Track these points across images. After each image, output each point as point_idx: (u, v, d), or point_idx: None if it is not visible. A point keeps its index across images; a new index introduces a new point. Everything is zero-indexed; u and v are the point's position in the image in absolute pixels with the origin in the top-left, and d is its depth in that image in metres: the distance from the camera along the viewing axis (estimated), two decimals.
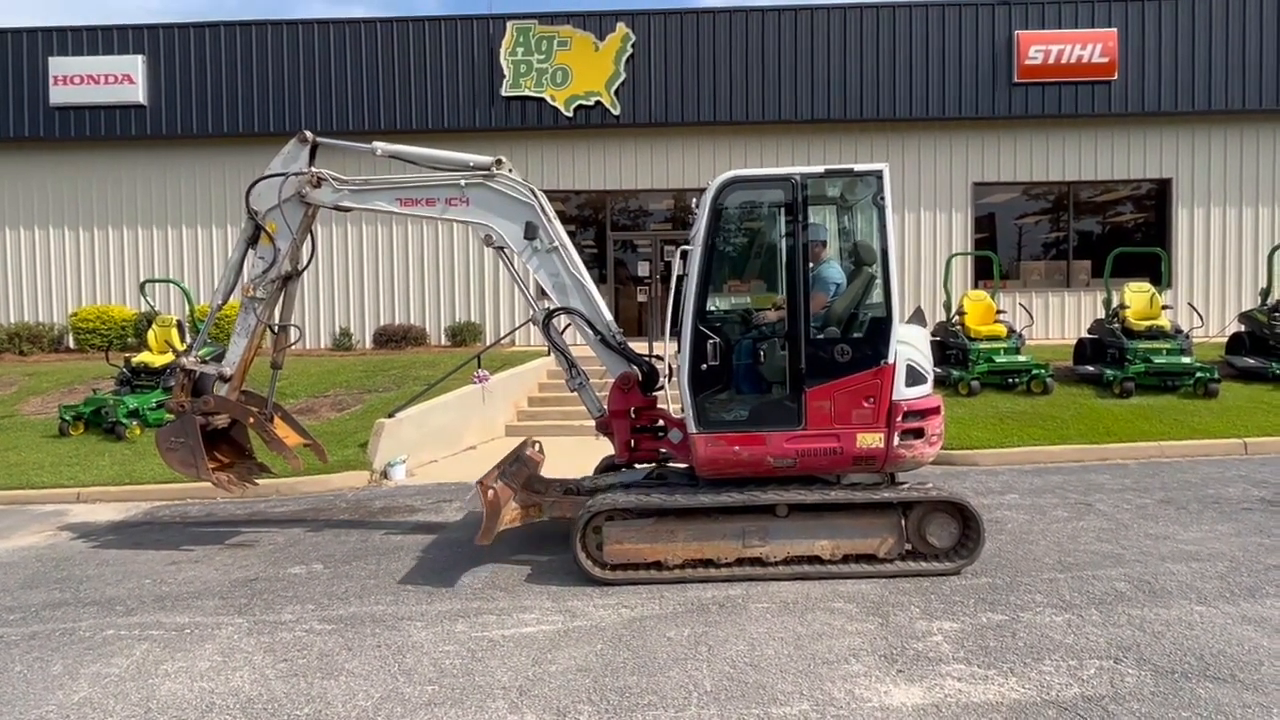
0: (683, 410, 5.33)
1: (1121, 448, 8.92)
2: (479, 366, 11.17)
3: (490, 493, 5.37)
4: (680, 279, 5.43)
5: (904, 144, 15.95)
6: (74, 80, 15.83)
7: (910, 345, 5.20)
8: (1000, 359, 11.08)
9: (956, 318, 12.20)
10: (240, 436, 7.00)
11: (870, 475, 5.47)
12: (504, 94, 15.64)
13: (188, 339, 11.54)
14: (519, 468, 5.75)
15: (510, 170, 6.03)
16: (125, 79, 15.80)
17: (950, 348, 11.96)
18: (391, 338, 15.64)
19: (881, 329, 5.14)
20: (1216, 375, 10.50)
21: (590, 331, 5.90)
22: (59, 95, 15.84)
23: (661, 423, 5.89)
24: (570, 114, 15.61)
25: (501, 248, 6.04)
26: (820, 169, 5.26)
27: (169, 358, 10.92)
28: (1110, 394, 10.61)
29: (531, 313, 6.15)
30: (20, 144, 16.30)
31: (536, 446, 5.98)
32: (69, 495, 8.57)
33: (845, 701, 3.66)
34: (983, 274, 15.79)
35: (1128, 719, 3.43)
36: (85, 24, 16.25)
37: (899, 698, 3.68)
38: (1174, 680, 3.75)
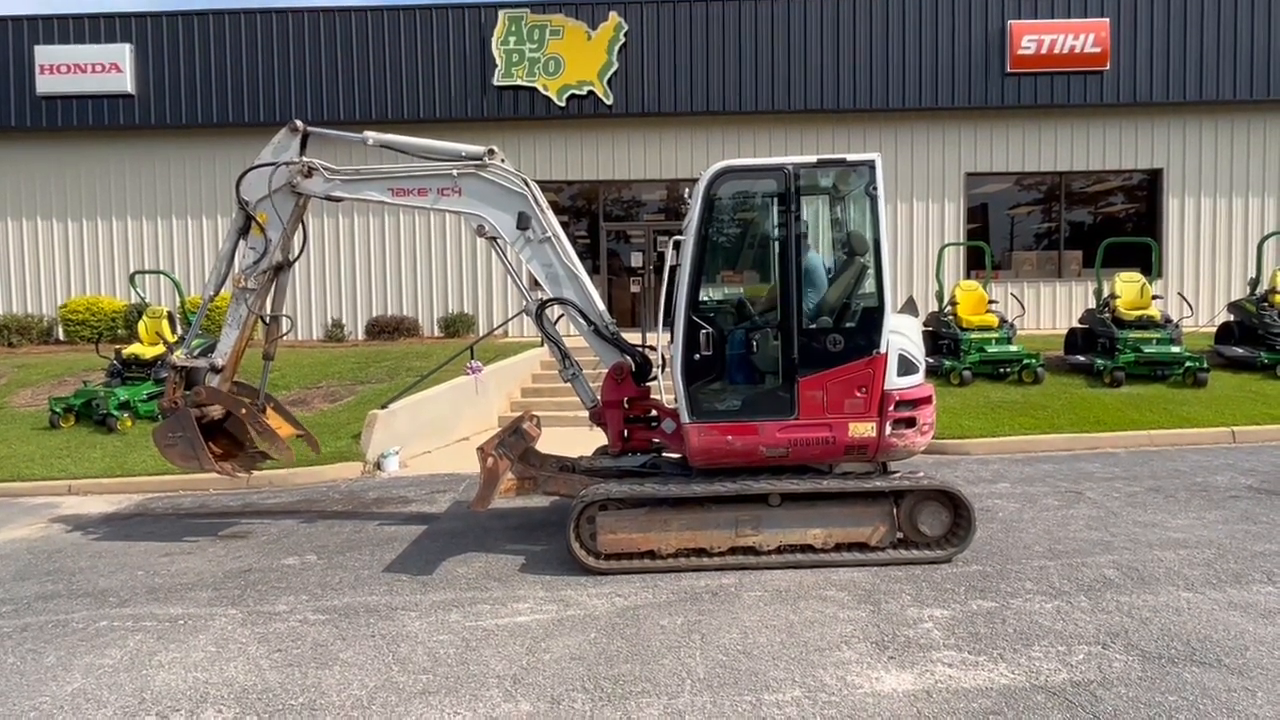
0: (676, 400, 5.34)
1: (1111, 436, 8.98)
2: (472, 358, 11.17)
3: (489, 460, 5.52)
4: (673, 269, 5.45)
5: (897, 134, 15.95)
6: (61, 69, 15.66)
7: (902, 335, 5.23)
8: (992, 349, 11.13)
9: (948, 308, 12.25)
10: (236, 429, 6.98)
11: (862, 464, 5.52)
12: (496, 83, 15.56)
13: (178, 330, 11.50)
14: (517, 440, 5.78)
15: (503, 160, 6.01)
16: (113, 68, 15.64)
17: (942, 337, 12.01)
18: (384, 329, 15.60)
19: (874, 319, 5.16)
20: (1205, 365, 10.58)
21: (583, 322, 5.91)
22: (46, 84, 15.67)
23: (655, 413, 5.91)
24: (563, 104, 15.54)
25: (494, 238, 6.03)
26: (813, 159, 5.27)
27: (160, 349, 10.88)
28: (1101, 383, 10.68)
29: (524, 304, 6.14)
30: (7, 134, 16.13)
31: (535, 421, 6.01)
32: (60, 488, 8.53)
33: (837, 688, 3.70)
34: (975, 264, 15.84)
35: (1115, 703, 3.48)
36: (72, 12, 16.10)
37: (890, 684, 3.72)
38: (1161, 665, 3.80)
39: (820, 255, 5.78)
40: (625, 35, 15.46)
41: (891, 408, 5.12)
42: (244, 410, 6.49)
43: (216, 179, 16.00)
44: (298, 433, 6.88)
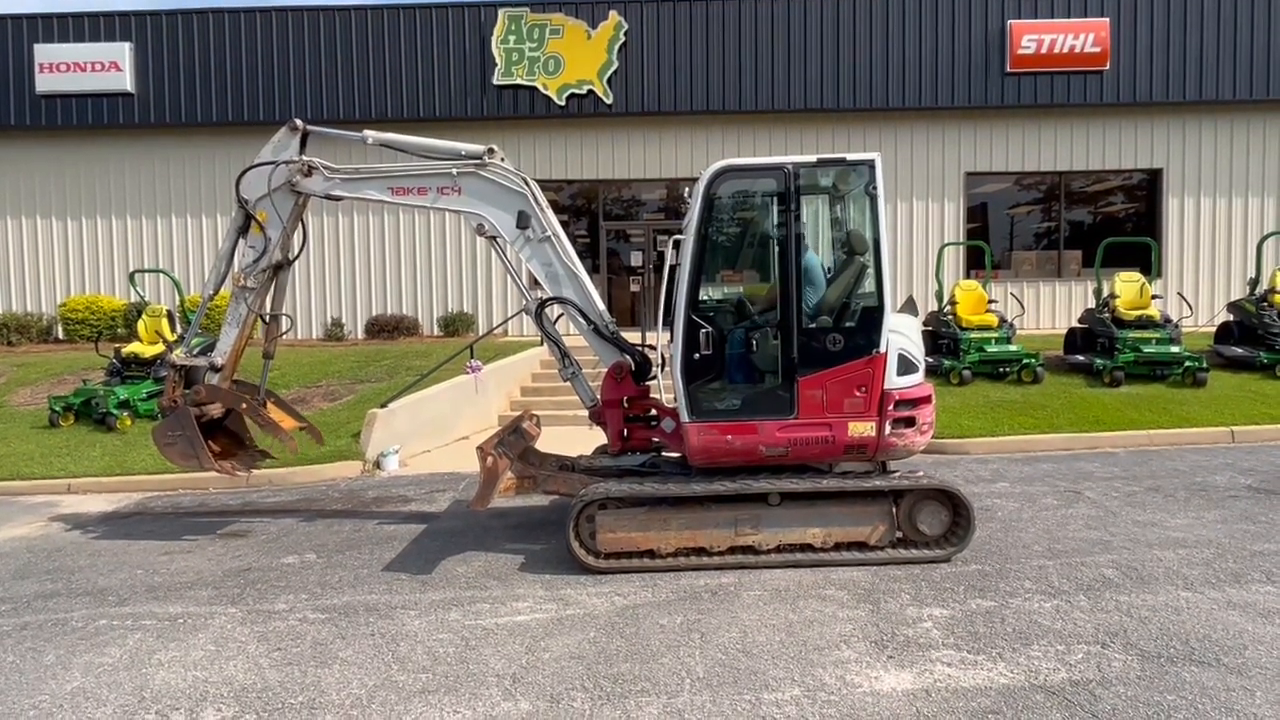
0: (675, 400, 5.34)
1: (1111, 436, 8.98)
2: (472, 357, 11.17)
3: (489, 459, 5.52)
4: (673, 269, 5.45)
5: (896, 134, 15.94)
6: (61, 68, 15.65)
7: (902, 334, 5.23)
8: (991, 348, 11.13)
9: (948, 307, 12.25)
10: (237, 426, 6.99)
11: (862, 464, 5.52)
12: (495, 82, 15.55)
13: (178, 329, 11.49)
14: (517, 439, 5.79)
15: (502, 159, 6.01)
16: (113, 67, 15.63)
17: (942, 337, 12.01)
18: (384, 328, 15.60)
19: (873, 318, 5.16)
20: (1205, 364, 10.58)
21: (583, 321, 5.91)
22: (45, 83, 15.65)
23: (654, 412, 5.91)
24: (563, 103, 15.54)
25: (494, 237, 6.03)
26: (813, 158, 5.27)
27: (159, 348, 10.87)
28: (1100, 383, 10.68)
29: (524, 303, 6.14)
30: (6, 133, 16.11)
31: (534, 420, 6.02)
32: (60, 486, 8.53)
33: (836, 687, 3.70)
34: (974, 264, 15.84)
35: (1114, 702, 3.48)
36: (72, 10, 16.07)
37: (889, 683, 3.72)
38: (1160, 664, 3.80)
39: (820, 255, 5.79)
40: (625, 34, 15.45)
41: (891, 407, 5.13)
42: (244, 405, 6.49)
43: (216, 178, 15.99)
44: (300, 425, 6.90)
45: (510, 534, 6.27)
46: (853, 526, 5.27)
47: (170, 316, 11.58)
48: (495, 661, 4.07)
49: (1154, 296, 11.73)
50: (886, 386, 5.13)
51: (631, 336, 6.12)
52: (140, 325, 11.54)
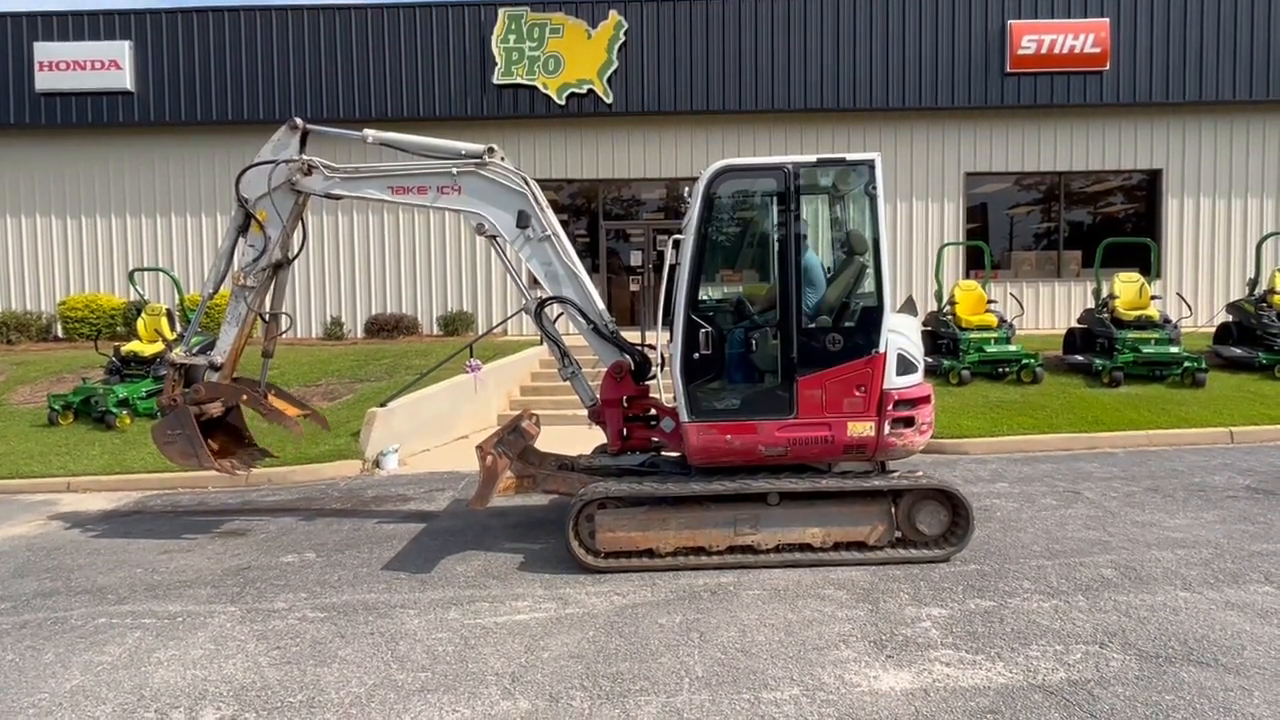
0: (675, 399, 5.35)
1: (1110, 436, 8.99)
2: (471, 356, 11.17)
3: (489, 459, 5.53)
4: (673, 268, 5.45)
5: (896, 134, 15.94)
6: (60, 66, 15.64)
7: (901, 334, 5.24)
8: (991, 348, 11.14)
9: (948, 307, 12.25)
10: (238, 423, 7.00)
11: (861, 463, 5.52)
12: (495, 82, 15.55)
13: (177, 328, 11.49)
14: (516, 438, 5.80)
15: (503, 159, 6.02)
16: (113, 65, 15.62)
17: (941, 337, 12.01)
18: (383, 327, 15.60)
19: (873, 318, 5.16)
20: (1204, 365, 10.59)
21: (583, 321, 5.91)
22: (45, 81, 15.64)
23: (654, 412, 5.91)
24: (563, 102, 15.54)
25: (494, 237, 6.03)
26: (813, 158, 5.28)
27: (159, 347, 10.87)
28: (1099, 383, 10.69)
29: (524, 302, 6.14)
30: (6, 131, 16.10)
31: (534, 419, 6.02)
32: (59, 485, 8.53)
33: (835, 686, 3.71)
34: (974, 264, 15.84)
35: (1112, 702, 3.48)
36: (72, 8, 16.06)
37: (888, 682, 3.73)
38: (1158, 664, 3.80)
39: (820, 255, 5.79)
40: (625, 34, 15.45)
41: (890, 407, 5.13)
42: (245, 397, 6.49)
43: (216, 176, 15.99)
44: (303, 412, 6.91)
45: (509, 533, 6.28)
46: (852, 526, 5.28)
47: (170, 315, 11.58)
48: (494, 660, 4.08)
49: (1153, 297, 11.74)
50: (886, 386, 5.13)
51: (631, 336, 6.12)
52: (140, 324, 11.53)
